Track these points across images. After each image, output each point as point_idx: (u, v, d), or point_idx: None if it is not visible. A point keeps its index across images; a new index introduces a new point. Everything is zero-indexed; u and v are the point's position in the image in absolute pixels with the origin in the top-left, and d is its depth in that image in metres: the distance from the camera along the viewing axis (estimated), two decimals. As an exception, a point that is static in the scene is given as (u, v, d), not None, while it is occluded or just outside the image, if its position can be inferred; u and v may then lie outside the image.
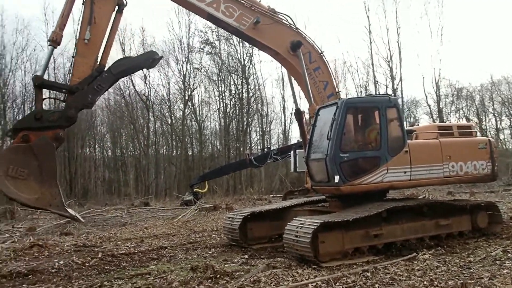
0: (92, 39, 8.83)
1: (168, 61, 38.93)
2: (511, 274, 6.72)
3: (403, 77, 39.24)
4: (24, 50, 35.35)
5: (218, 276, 7.36)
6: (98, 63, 8.93)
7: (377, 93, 37.31)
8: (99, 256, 9.96)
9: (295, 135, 41.50)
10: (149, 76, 39.17)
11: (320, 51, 11.22)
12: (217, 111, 40.56)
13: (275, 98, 62.80)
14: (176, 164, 39.64)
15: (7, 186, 7.80)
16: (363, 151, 9.66)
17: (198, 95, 40.88)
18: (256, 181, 37.37)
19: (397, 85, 37.99)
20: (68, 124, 8.67)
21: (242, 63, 38.82)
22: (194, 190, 23.52)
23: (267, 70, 77.83)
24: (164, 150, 42.47)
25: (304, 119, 11.57)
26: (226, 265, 8.29)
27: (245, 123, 39.44)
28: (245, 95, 39.25)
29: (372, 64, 38.72)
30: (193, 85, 39.19)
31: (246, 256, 9.32)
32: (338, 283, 6.77)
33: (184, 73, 38.36)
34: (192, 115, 40.35)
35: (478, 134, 13.48)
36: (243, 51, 38.13)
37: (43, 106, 8.61)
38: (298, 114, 11.64)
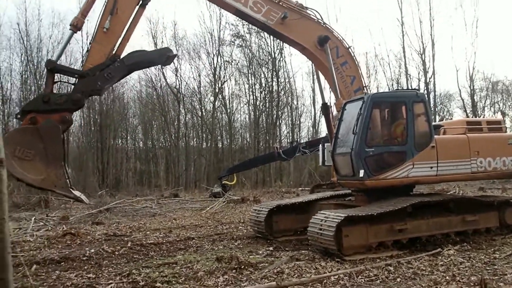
0: (112, 29, 9.02)
1: (199, 54, 39.41)
2: (536, 271, 6.65)
3: (436, 70, 38.52)
4: (60, 43, 36.31)
5: (242, 267, 7.54)
6: (113, 53, 9.10)
7: (410, 86, 36.79)
8: (129, 245, 10.31)
9: (324, 129, 41.06)
10: (180, 69, 39.85)
11: (347, 46, 11.20)
12: (247, 103, 40.87)
13: (305, 91, 62.72)
14: (206, 156, 40.11)
15: (13, 167, 8.01)
16: (388, 146, 9.64)
17: (229, 88, 41.22)
18: (285, 174, 37.47)
19: (430, 78, 37.30)
20: (75, 107, 8.86)
21: (273, 56, 38.86)
22: (223, 182, 23.80)
23: (297, 63, 77.24)
24: (194, 142, 43.02)
25: (331, 114, 11.58)
26: (250, 257, 8.47)
27: (274, 116, 39.53)
28: (275, 88, 39.34)
29: (405, 57, 38.06)
30: (224, 78, 39.55)
31: (271, 248, 9.47)
32: (360, 276, 6.85)
33: (215, 66, 38.74)
34: (222, 107, 40.73)
35: (509, 130, 13.14)
36: (273, 44, 38.16)
37: (54, 90, 8.84)
38: (325, 108, 11.68)
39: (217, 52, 38.65)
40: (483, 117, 36.69)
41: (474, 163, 9.94)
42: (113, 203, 19.31)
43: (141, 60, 9.58)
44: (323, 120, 11.54)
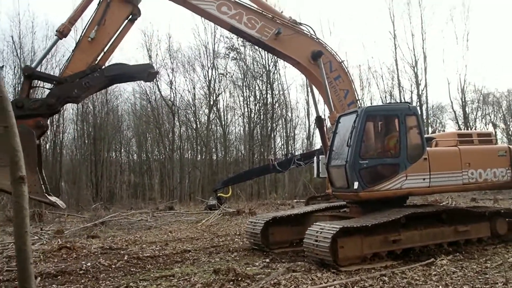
0: (97, 39, 9.12)
1: (194, 66, 39.69)
2: (527, 280, 6.81)
3: (428, 82, 38.98)
4: (54, 56, 36.42)
5: (239, 278, 7.62)
6: (95, 63, 9.15)
7: (403, 98, 37.19)
8: (125, 258, 10.34)
9: (319, 141, 41.27)
10: (175, 82, 40.05)
11: (340, 60, 11.40)
12: (241, 116, 41.08)
13: (299, 103, 63.10)
14: (201, 169, 40.18)
15: None
16: (382, 158, 9.82)
17: (223, 100, 41.62)
18: (280, 186, 37.62)
19: (422, 90, 37.80)
20: (49, 112, 8.83)
21: (267, 68, 39.19)
22: (218, 194, 23.89)
23: (292, 75, 77.36)
24: (189, 155, 43.13)
25: (325, 126, 11.75)
26: (247, 268, 8.57)
27: (269, 128, 39.76)
28: (269, 100, 39.62)
29: (397, 70, 38.57)
30: (218, 90, 39.82)
31: (267, 260, 9.57)
32: (355, 287, 6.97)
33: (209, 78, 39.04)
34: (217, 120, 40.90)
35: (499, 142, 13.35)
36: (267, 57, 38.48)
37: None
38: (319, 121, 11.84)
39: (211, 65, 39.01)
40: (475, 128, 37.14)
41: (465, 174, 10.13)
42: (108, 217, 19.30)
43: (121, 73, 9.55)
44: (317, 132, 11.72)
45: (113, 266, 9.53)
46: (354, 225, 8.44)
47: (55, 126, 34.44)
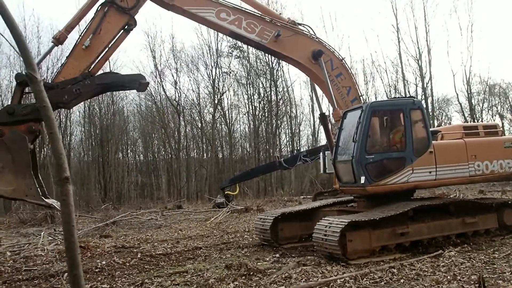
0: (91, 47, 9.27)
1: (198, 66, 39.85)
2: (534, 269, 6.95)
3: (433, 75, 38.87)
4: (59, 60, 36.73)
5: (251, 273, 7.82)
6: (88, 70, 9.29)
7: (408, 92, 37.18)
8: (138, 256, 10.58)
9: (324, 137, 41.54)
10: (179, 82, 40.21)
11: (341, 58, 11.50)
12: (246, 114, 41.20)
13: (303, 100, 63.02)
14: (207, 167, 40.39)
15: None
16: (388, 153, 9.96)
17: (227, 99, 41.57)
18: (286, 182, 37.75)
19: (427, 83, 37.66)
20: (40, 116, 8.70)
21: (270, 66, 39.25)
22: (226, 192, 24.05)
23: (295, 72, 77.28)
24: (195, 154, 43.36)
25: (329, 123, 11.85)
26: (258, 263, 8.76)
27: (274, 125, 39.87)
28: (273, 97, 39.69)
29: (401, 63, 38.45)
30: (222, 89, 39.97)
31: (277, 255, 9.75)
32: (365, 279, 7.13)
33: (213, 77, 39.16)
34: (222, 118, 41.08)
35: (507, 133, 13.42)
36: (270, 55, 38.50)
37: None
38: (323, 118, 11.85)
39: (215, 64, 39.12)
40: (481, 120, 37.06)
41: (471, 166, 10.25)
42: (119, 216, 19.54)
43: (113, 81, 9.73)
44: (322, 128, 11.82)
45: (127, 264, 9.74)
46: (362, 219, 8.60)
47: (62, 129, 34.73)
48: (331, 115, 11.47)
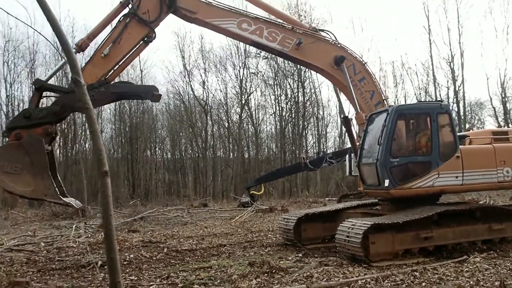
0: (110, 56, 9.48)
1: (226, 66, 40.23)
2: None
3: (466, 78, 38.04)
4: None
5: (273, 271, 7.98)
6: (105, 78, 9.52)
7: (438, 95, 36.60)
8: (165, 251, 10.89)
9: (351, 139, 41.24)
10: (207, 82, 40.65)
11: (363, 62, 11.49)
12: (273, 114, 41.35)
13: (331, 101, 62.55)
14: (233, 167, 40.72)
15: (4, 181, 8.60)
16: (413, 156, 9.93)
17: (255, 99, 41.81)
18: (312, 184, 37.74)
19: (459, 87, 36.91)
20: (55, 119, 9.22)
21: (298, 67, 39.26)
22: (251, 192, 24.27)
23: (323, 73, 77.61)
24: (221, 153, 43.73)
25: (352, 126, 11.77)
26: (281, 262, 8.90)
27: (300, 126, 39.91)
28: (301, 98, 39.79)
29: (432, 66, 37.84)
30: (250, 89, 40.24)
31: (300, 255, 9.87)
32: (386, 281, 7.18)
33: (241, 77, 39.51)
34: (249, 118, 41.35)
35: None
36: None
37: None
38: (346, 121, 11.87)
39: (243, 64, 39.46)
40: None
41: (500, 172, 10.12)
42: (147, 212, 20.01)
43: (127, 91, 10.07)
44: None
45: (154, 258, 10.04)
46: (385, 222, 8.63)
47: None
48: (353, 119, 11.45)
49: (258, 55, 39.83)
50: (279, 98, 40.42)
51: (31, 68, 35.45)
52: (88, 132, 36.59)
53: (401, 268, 8.10)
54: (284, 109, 40.50)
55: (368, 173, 10.13)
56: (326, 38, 11.40)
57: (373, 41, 73.61)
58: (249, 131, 42.28)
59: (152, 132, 42.32)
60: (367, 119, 10.49)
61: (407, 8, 51.00)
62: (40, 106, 9.46)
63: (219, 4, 10.48)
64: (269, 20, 11.27)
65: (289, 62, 39.49)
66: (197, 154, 42.33)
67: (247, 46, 39.10)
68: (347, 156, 18.40)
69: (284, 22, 11.30)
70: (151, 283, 7.74)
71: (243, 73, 39.44)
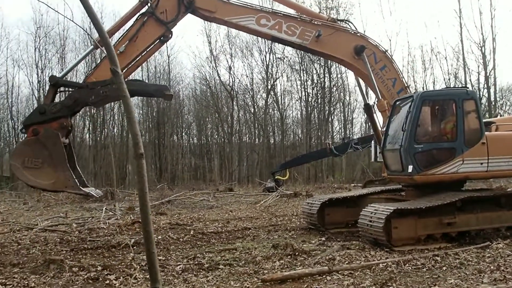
0: (126, 53, 9.64)
1: (252, 51, 40.27)
2: None
3: (498, 63, 37.07)
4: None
5: (296, 253, 8.23)
6: None
7: (468, 80, 35.87)
8: (191, 233, 11.26)
9: (377, 125, 40.93)
10: (233, 67, 40.89)
11: (384, 50, 11.38)
12: (299, 100, 41.31)
13: (357, 87, 61.97)
14: (258, 152, 41.00)
15: (25, 176, 8.94)
16: (438, 143, 9.95)
17: (281, 85, 41.87)
18: (337, 170, 37.72)
19: (490, 71, 35.98)
20: (69, 112, 9.45)
21: (324, 52, 38.95)
22: (276, 177, 24.51)
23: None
24: (247, 138, 44.05)
25: (374, 113, 11.70)
26: (304, 245, 9.12)
27: (326, 112, 39.78)
28: (327, 84, 39.58)
29: (463, 50, 36.91)
30: (276, 74, 40.24)
31: (323, 239, 10.05)
32: (407, 265, 7.31)
33: (267, 63, 39.52)
34: (274, 104, 41.45)
35: None
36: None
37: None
38: (368, 109, 11.68)
39: (269, 50, 39.32)
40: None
41: (526, 159, 10.03)
42: (173, 196, 20.50)
43: (139, 89, 10.23)
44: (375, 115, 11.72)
45: (181, 240, 10.41)
46: (408, 207, 8.73)
47: (121, 112, 36.21)
48: (375, 106, 11.41)
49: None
50: (305, 83, 40.36)
51: (62, 54, 36.34)
52: (116, 117, 37.56)
53: (422, 252, 8.21)
54: (310, 95, 40.45)
55: (392, 159, 10.19)
56: (346, 28, 11.35)
57: (401, 25, 72.33)
58: (274, 117, 42.40)
59: (178, 117, 42.89)
60: (392, 106, 10.51)
61: (438, -9, 49.84)
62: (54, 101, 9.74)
63: (237, 1, 10.52)
64: (287, 14, 11.29)
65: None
66: (223, 139, 42.73)
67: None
68: (372, 142, 18.37)
69: (302, 15, 11.31)
70: (178, 263, 8.07)
71: (269, 58, 39.47)
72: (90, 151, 37.21)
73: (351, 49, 11.00)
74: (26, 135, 9.32)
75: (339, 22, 11.44)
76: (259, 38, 39.23)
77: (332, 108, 40.26)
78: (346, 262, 7.57)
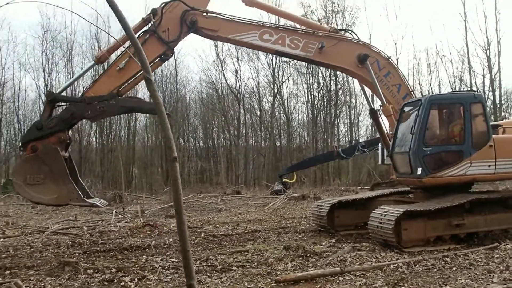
0: (125, 70, 9.64)
1: (258, 55, 40.41)
2: None
3: (503, 66, 37.08)
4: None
5: (308, 255, 8.38)
6: (117, 90, 9.68)
7: (474, 83, 35.88)
8: (202, 236, 11.41)
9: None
10: (240, 70, 41.07)
11: (387, 57, 11.40)
12: (305, 103, 41.45)
13: (362, 92, 62.00)
14: (265, 155, 41.14)
15: (28, 193, 9.00)
16: (446, 145, 10.08)
17: (287, 88, 41.99)
18: (344, 173, 37.77)
19: (495, 74, 36.01)
20: (66, 126, 9.47)
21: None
22: (283, 180, 24.65)
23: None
24: (253, 141, 44.21)
25: (379, 118, 11.75)
26: (315, 247, 9.27)
27: (333, 115, 39.87)
28: (333, 87, 39.66)
29: (468, 53, 36.98)
30: (282, 78, 40.41)
31: (333, 240, 10.19)
32: (418, 265, 7.46)
33: (273, 66, 39.72)
34: (281, 107, 41.60)
35: None
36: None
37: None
38: (373, 113, 11.85)
39: (275, 53, 39.36)
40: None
41: (533, 161, 10.13)
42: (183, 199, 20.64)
43: (135, 106, 10.33)
44: (381, 119, 11.78)
45: (193, 242, 10.55)
46: (418, 209, 8.86)
47: (128, 115, 36.43)
48: (380, 110, 11.46)
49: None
50: (311, 86, 40.48)
51: (69, 58, 36.67)
52: (122, 121, 37.73)
53: (432, 253, 8.34)
54: (316, 98, 40.56)
55: (401, 161, 10.32)
56: (348, 38, 11.39)
57: (407, 28, 72.42)
58: (280, 120, 42.54)
59: (185, 120, 43.11)
60: (400, 109, 10.63)
61: (443, -6, 49.95)
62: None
63: (239, 18, 10.54)
64: (289, 27, 11.43)
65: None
66: (229, 142, 42.93)
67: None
68: (379, 145, 18.50)
69: (304, 27, 11.39)
70: (192, 264, 8.21)
71: (276, 62, 39.62)
72: (97, 154, 37.49)
73: (354, 58, 11.00)
74: (25, 152, 9.32)
75: (341, 32, 11.51)
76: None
77: (338, 111, 40.36)
78: (358, 263, 7.72)
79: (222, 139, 44.41)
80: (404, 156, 10.00)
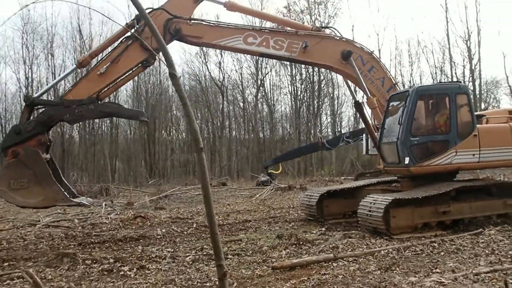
0: (106, 74, 9.57)
1: (241, 46, 40.38)
2: None
3: (482, 56, 37.80)
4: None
5: (301, 243, 8.62)
6: (97, 94, 9.62)
7: (454, 73, 36.58)
8: (194, 226, 11.58)
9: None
10: (223, 62, 41.08)
11: (370, 51, 11.54)
12: (287, 94, 41.72)
13: (345, 83, 62.50)
14: (248, 147, 41.34)
15: (13, 198, 8.95)
16: (432, 135, 10.37)
17: (270, 79, 42.19)
18: (327, 163, 38.23)
19: (475, 65, 36.75)
20: (44, 128, 9.40)
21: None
22: (269, 171, 24.89)
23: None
24: (237, 133, 44.36)
25: (364, 110, 11.80)
26: (306, 235, 9.49)
27: (315, 106, 40.24)
28: (316, 78, 39.99)
29: (449, 44, 37.65)
30: (265, 69, 40.54)
31: (323, 229, 10.42)
32: (407, 251, 7.74)
33: (256, 58, 39.60)
34: (264, 98, 41.76)
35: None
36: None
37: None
38: (358, 106, 11.90)
39: (258, 45, 39.46)
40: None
41: (516, 150, 10.51)
42: (171, 191, 20.77)
43: (115, 112, 10.40)
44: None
45: (185, 232, 10.72)
46: (406, 197, 9.15)
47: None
48: (365, 103, 11.66)
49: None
50: (294, 78, 40.75)
51: (49, 50, 36.11)
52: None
53: (420, 240, 8.64)
54: (299, 89, 40.87)
55: (388, 151, 10.59)
56: (330, 36, 11.49)
57: (389, 20, 73.16)
58: (264, 111, 42.77)
59: (168, 113, 42.96)
60: (388, 100, 10.88)
61: (423, -14, 50.53)
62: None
63: (223, 23, 10.68)
64: (272, 29, 11.55)
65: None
66: (212, 134, 43.00)
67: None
68: (364, 135, 18.79)
69: (287, 28, 11.50)
70: (187, 254, 8.37)
71: (259, 54, 39.60)
72: (81, 147, 37.16)
73: (338, 55, 11.13)
74: (6, 158, 9.23)
75: (323, 29, 11.65)
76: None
77: (321, 103, 40.76)
78: (349, 249, 7.97)
79: (205, 131, 44.44)
80: (392, 146, 10.26)
